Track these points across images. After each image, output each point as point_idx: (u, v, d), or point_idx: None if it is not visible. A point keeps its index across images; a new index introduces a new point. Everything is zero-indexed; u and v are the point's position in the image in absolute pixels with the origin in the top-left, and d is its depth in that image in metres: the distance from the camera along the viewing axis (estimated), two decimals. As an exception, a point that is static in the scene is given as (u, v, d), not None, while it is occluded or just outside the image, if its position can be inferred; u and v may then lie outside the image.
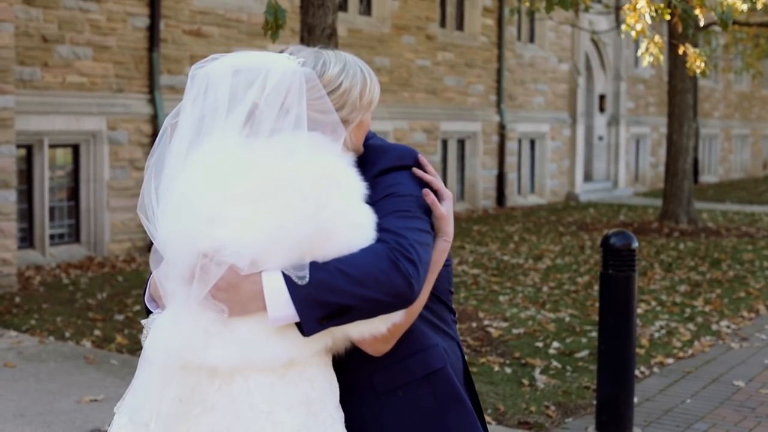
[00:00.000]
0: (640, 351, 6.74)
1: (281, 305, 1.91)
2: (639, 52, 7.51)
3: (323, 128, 2.03)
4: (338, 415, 2.07)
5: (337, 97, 2.06)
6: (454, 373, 2.15)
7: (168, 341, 1.98)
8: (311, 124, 2.01)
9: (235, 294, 1.93)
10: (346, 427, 2.08)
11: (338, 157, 2.03)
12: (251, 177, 1.96)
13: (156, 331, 2.02)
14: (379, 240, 1.95)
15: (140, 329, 2.16)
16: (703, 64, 7.37)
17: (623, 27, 7.29)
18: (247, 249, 1.92)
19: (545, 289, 9.25)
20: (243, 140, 2.01)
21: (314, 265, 1.92)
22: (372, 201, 2.02)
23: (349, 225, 1.96)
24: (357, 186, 2.02)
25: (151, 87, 11.15)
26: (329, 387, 2.07)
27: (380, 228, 1.97)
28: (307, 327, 1.92)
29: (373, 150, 2.17)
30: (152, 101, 11.14)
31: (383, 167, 2.11)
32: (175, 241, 1.97)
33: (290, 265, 1.93)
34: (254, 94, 2.01)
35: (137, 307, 7.88)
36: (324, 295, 1.90)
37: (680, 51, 7.58)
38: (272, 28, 6.19)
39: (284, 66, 2.03)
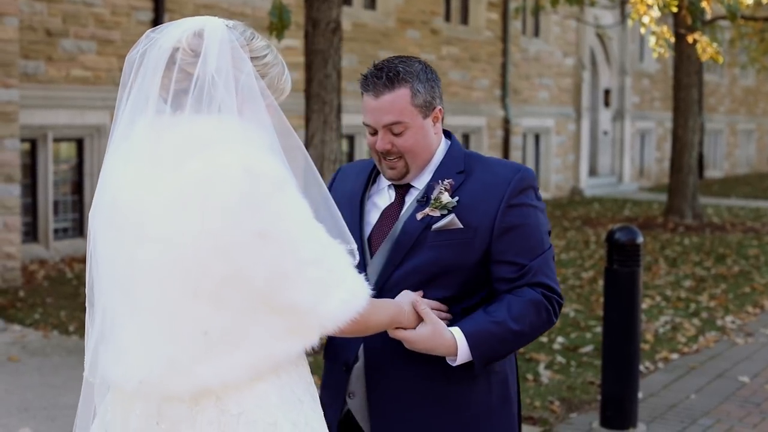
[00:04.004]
0: (645, 346, 6.72)
1: (463, 358, 2.27)
2: (650, 45, 7.49)
3: (248, 104, 1.96)
4: (308, 398, 2.03)
5: (260, 66, 2.01)
6: None
7: (137, 372, 1.96)
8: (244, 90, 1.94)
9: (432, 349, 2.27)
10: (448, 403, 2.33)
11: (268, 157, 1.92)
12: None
13: (118, 358, 2.00)
14: (535, 284, 2.35)
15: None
16: (715, 52, 7.35)
17: (629, 20, 7.27)
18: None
19: (550, 284, 9.22)
20: (157, 130, 1.95)
21: (488, 321, 2.27)
22: (504, 225, 2.33)
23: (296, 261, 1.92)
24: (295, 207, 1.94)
25: (156, 81, 11.14)
26: (296, 370, 2.03)
27: (532, 270, 2.34)
28: (478, 370, 2.30)
29: (488, 164, 2.42)
30: (156, 95, 11.13)
31: (513, 191, 2.35)
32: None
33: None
34: (176, 41, 1.95)
35: (141, 302, 7.88)
36: (494, 350, 2.30)
37: (690, 39, 7.56)
38: (278, 28, 6.20)
39: (207, 20, 2.00)
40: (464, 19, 16.88)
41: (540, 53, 18.61)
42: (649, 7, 6.76)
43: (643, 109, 22.54)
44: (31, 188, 10.15)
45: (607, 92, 21.13)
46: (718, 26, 17.55)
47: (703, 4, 7.06)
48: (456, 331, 2.26)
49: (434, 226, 2.31)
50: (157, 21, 11.07)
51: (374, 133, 2.37)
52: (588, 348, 6.71)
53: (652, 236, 12.72)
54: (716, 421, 5.26)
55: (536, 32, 18.83)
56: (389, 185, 2.45)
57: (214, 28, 1.97)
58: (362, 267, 2.29)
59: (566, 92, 19.52)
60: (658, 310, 8.08)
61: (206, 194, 1.86)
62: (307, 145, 7.11)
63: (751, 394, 5.79)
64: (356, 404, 2.40)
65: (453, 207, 2.31)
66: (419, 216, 2.32)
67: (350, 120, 12.99)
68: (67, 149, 10.70)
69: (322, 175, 8.08)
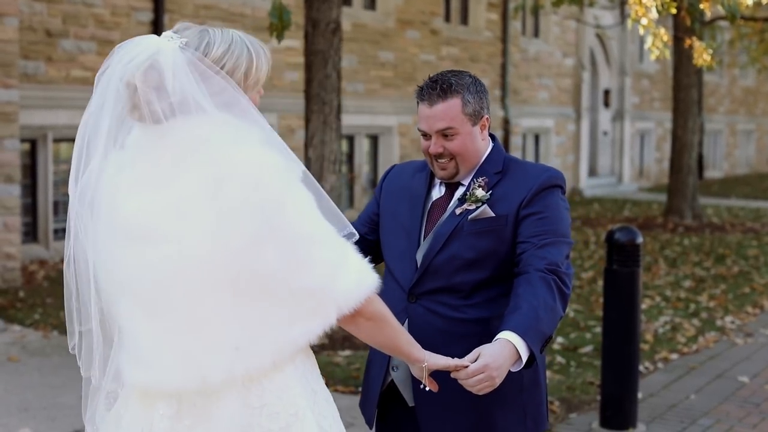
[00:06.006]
0: (645, 346, 6.73)
1: (525, 353, 2.40)
2: (646, 46, 7.48)
3: (232, 108, 1.96)
4: (320, 387, 2.07)
5: (230, 69, 2.00)
6: None
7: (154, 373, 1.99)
8: (218, 104, 1.95)
9: (504, 368, 2.36)
10: None
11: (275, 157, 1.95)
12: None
13: (138, 362, 2.02)
14: (548, 268, 2.50)
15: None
16: (709, 57, 7.34)
17: (628, 21, 7.26)
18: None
19: (549, 284, 9.22)
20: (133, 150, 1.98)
21: (521, 313, 2.41)
22: (526, 212, 2.59)
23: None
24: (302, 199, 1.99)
25: (155, 81, 11.14)
26: (308, 360, 2.07)
27: (545, 257, 2.52)
28: (539, 358, 2.46)
29: (522, 167, 2.70)
30: (156, 96, 11.14)
31: (541, 186, 2.63)
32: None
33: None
34: (130, 76, 1.94)
35: (141, 302, 7.88)
36: (541, 332, 2.44)
37: (687, 44, 7.56)
38: (278, 29, 6.20)
39: (158, 45, 1.96)
40: (464, 20, 16.88)
41: (540, 53, 18.61)
42: (648, 9, 6.74)
43: (642, 110, 22.54)
44: (31, 188, 10.15)
45: (606, 92, 21.13)
46: (718, 27, 17.53)
47: (703, 6, 7.05)
48: (504, 335, 2.40)
49: (470, 216, 2.63)
50: (157, 21, 11.07)
51: (428, 138, 2.67)
52: (587, 348, 6.71)
53: (652, 236, 12.72)
54: (716, 421, 5.26)
55: (536, 32, 18.83)
56: (441, 182, 2.76)
57: (167, 55, 1.94)
58: (415, 252, 2.68)
59: (566, 92, 19.52)
60: (657, 310, 8.09)
61: (216, 193, 1.89)
62: (307, 145, 7.12)
63: (751, 394, 5.80)
64: (399, 376, 2.68)
65: (486, 200, 2.63)
66: (458, 211, 2.66)
67: (350, 120, 12.99)
68: (67, 149, 10.70)
69: (321, 175, 7.94)
